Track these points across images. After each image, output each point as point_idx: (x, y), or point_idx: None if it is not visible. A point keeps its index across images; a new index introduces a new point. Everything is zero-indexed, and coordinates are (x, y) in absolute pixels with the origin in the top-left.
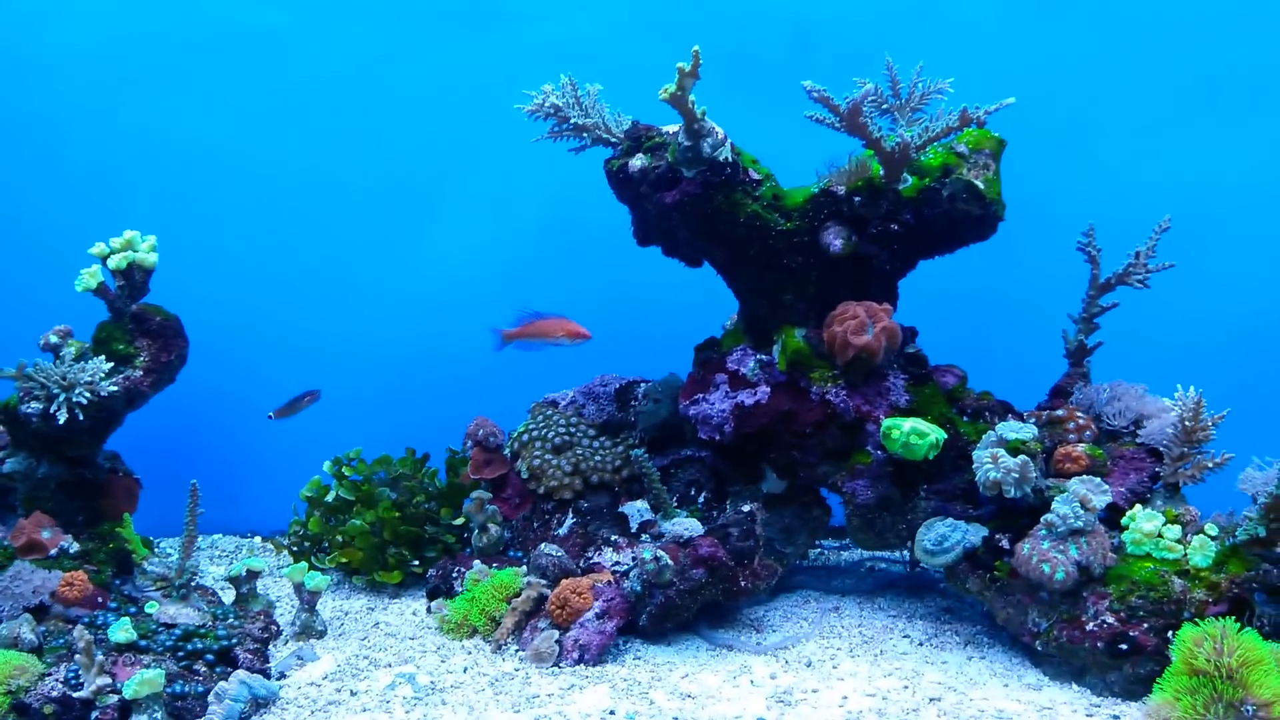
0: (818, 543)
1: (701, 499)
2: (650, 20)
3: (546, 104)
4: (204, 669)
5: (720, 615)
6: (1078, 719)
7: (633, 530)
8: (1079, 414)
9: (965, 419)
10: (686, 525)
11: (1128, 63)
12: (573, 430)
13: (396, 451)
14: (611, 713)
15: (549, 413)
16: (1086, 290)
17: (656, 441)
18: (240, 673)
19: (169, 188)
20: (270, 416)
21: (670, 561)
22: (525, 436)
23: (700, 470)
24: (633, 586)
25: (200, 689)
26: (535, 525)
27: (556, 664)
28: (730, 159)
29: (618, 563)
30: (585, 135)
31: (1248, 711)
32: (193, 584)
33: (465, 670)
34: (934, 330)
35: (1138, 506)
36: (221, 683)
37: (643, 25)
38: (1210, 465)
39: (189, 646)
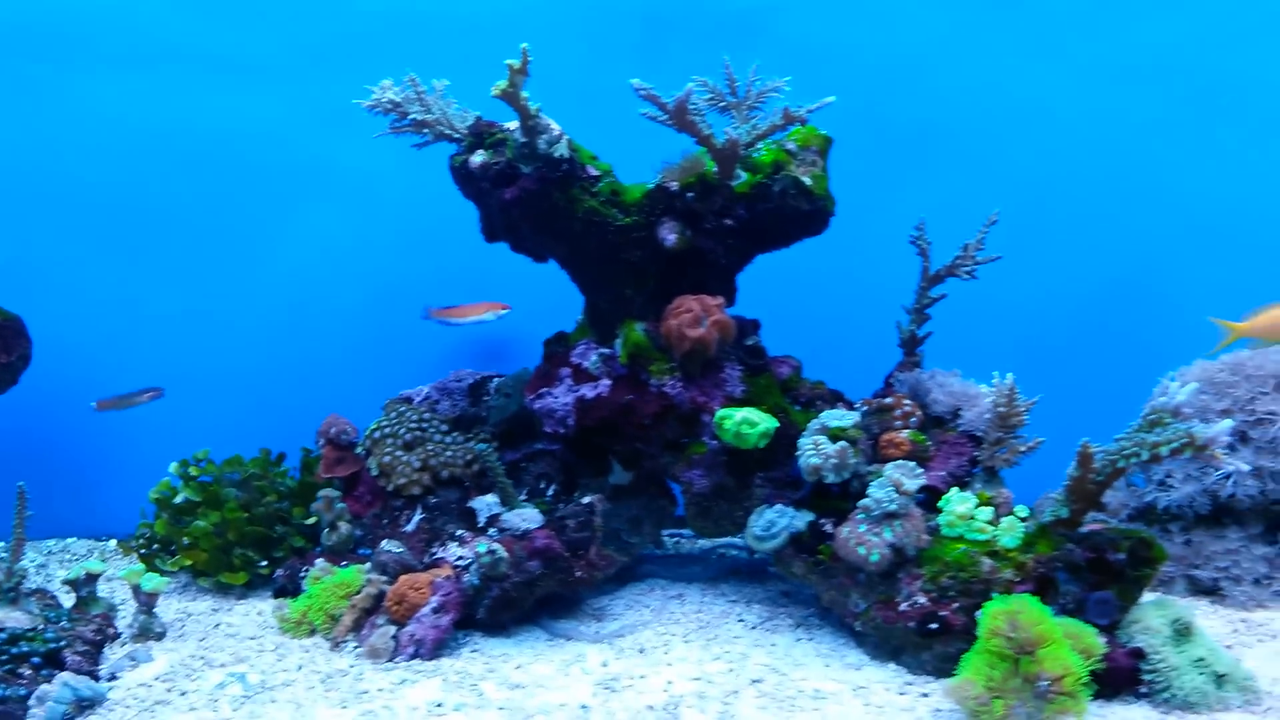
0: (673, 532)
1: (551, 492)
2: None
3: (384, 100)
4: (29, 672)
5: (564, 606)
6: (890, 696)
7: (480, 525)
8: (906, 401)
9: (798, 408)
10: (525, 517)
11: (969, 58)
12: (425, 426)
13: (257, 452)
14: (439, 705)
15: (402, 409)
16: (918, 282)
17: (509, 435)
18: (65, 674)
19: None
20: (95, 406)
21: (505, 554)
22: (377, 433)
23: (551, 464)
24: (471, 580)
25: (23, 691)
26: (385, 522)
27: (392, 659)
28: (567, 155)
29: (461, 557)
30: (428, 131)
31: (1041, 685)
32: (22, 587)
33: (300, 668)
34: (786, 323)
35: (954, 490)
36: (44, 685)
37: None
38: (1023, 449)
39: (14, 650)
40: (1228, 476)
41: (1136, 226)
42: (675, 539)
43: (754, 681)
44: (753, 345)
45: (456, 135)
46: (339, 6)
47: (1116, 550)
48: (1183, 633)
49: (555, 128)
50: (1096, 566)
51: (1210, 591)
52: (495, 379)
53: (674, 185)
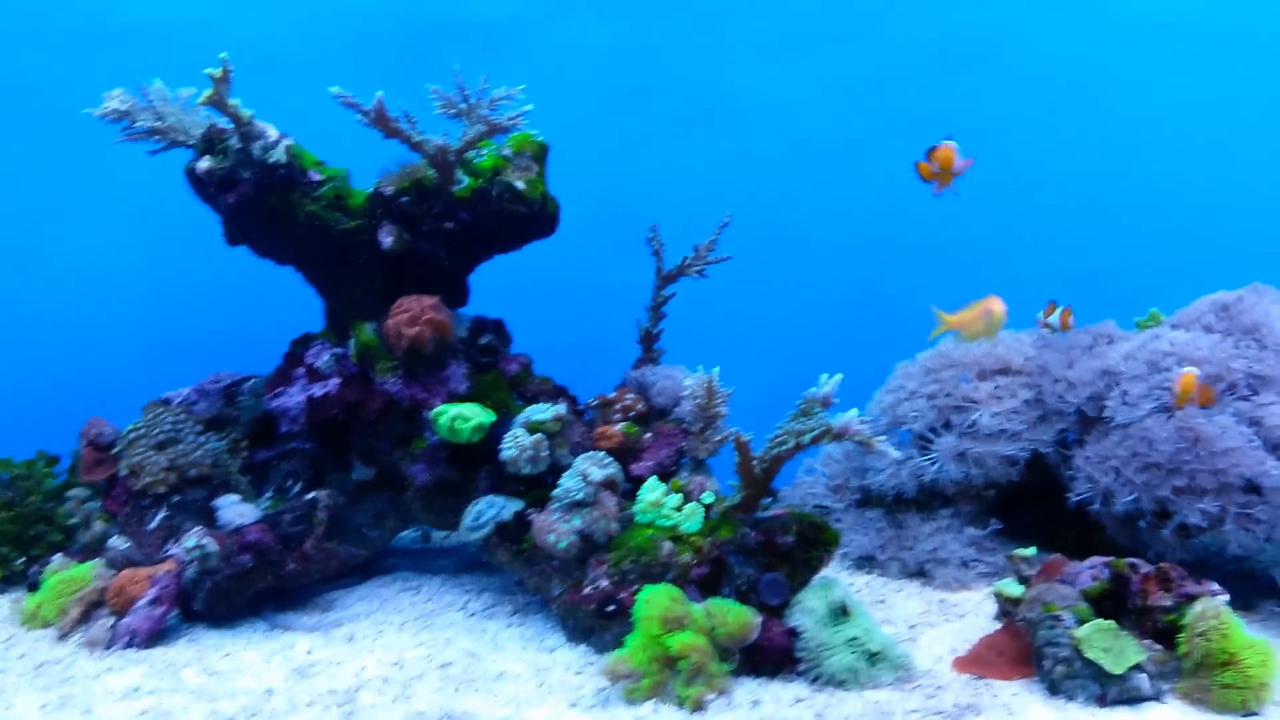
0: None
1: (296, 489)
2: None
3: (110, 109)
4: None
5: (295, 598)
6: (566, 677)
7: (219, 523)
8: (629, 395)
9: (521, 403)
10: (240, 512)
11: (713, 61)
12: (179, 427)
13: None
14: (136, 689)
15: (159, 410)
16: (654, 281)
17: (262, 435)
18: None
19: None
20: None
21: (215, 548)
22: (132, 435)
23: (301, 461)
24: (188, 574)
25: None
26: (133, 521)
27: (108, 648)
28: (284, 160)
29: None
30: (162, 138)
31: (681, 665)
32: None
33: (21, 657)
34: (561, 322)
35: (651, 479)
36: None
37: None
38: (719, 439)
39: None
40: (933, 462)
41: (879, 230)
42: (447, 534)
43: (443, 665)
44: (486, 344)
45: (190, 141)
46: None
47: (786, 534)
48: (839, 613)
49: (272, 133)
50: (768, 549)
51: (920, 573)
52: (251, 380)
53: (389, 190)
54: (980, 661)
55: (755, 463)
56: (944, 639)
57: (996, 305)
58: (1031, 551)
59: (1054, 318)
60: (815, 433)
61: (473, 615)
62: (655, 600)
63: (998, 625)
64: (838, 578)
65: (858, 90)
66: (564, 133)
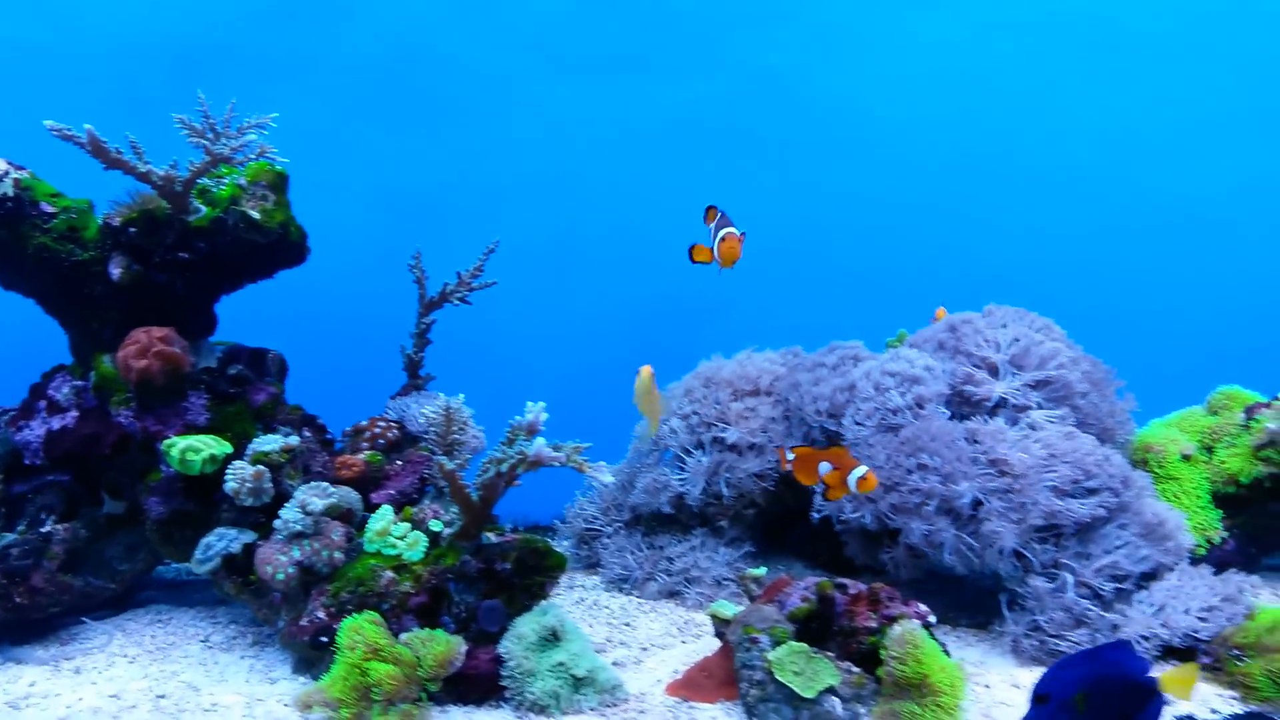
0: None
1: (49, 523)
2: None
3: None
4: None
5: (38, 630)
6: (277, 707)
7: None
8: (380, 423)
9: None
10: None
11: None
12: None
13: None
14: None
15: None
16: (417, 308)
17: (16, 467)
18: None
19: None
20: None
21: None
22: None
23: (56, 495)
24: None
25: None
26: None
27: None
28: (11, 194)
29: None
30: None
31: (378, 692)
32: None
33: None
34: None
35: (382, 508)
36: None
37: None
38: (454, 467)
39: None
40: (683, 482)
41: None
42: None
43: (159, 697)
44: (236, 374)
45: None
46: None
47: (505, 560)
48: (550, 639)
49: (1, 165)
50: (488, 577)
51: (674, 594)
52: (7, 413)
53: (116, 221)
54: (691, 684)
55: (469, 490)
56: (673, 661)
57: (641, 376)
58: (761, 572)
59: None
60: (511, 461)
61: (211, 648)
62: (356, 630)
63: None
64: (557, 603)
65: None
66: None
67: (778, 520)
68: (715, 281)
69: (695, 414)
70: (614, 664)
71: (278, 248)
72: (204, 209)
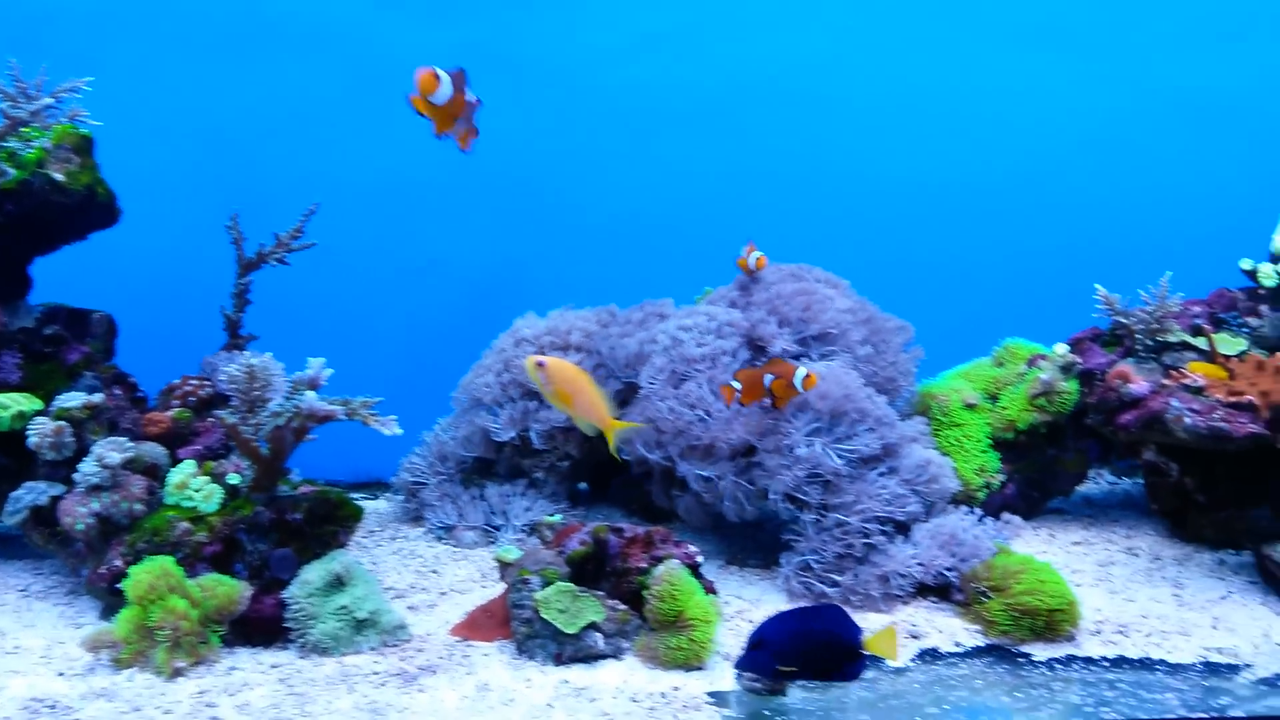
0: None
1: None
2: None
3: None
4: None
5: None
6: (76, 649)
7: None
8: (192, 382)
9: None
10: None
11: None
12: None
13: None
14: None
15: None
16: (236, 269)
17: None
18: None
19: None
20: None
21: None
22: None
23: None
24: None
25: None
26: None
27: None
28: None
29: None
30: None
31: (163, 633)
32: None
33: None
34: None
35: (184, 463)
36: None
37: None
38: (236, 421)
39: None
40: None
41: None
42: None
43: None
44: (51, 334)
45: None
46: None
47: (295, 510)
48: (335, 584)
49: None
50: (280, 526)
51: (489, 543)
52: None
53: None
54: (473, 625)
55: (257, 445)
56: (468, 604)
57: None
58: (556, 519)
59: (753, 258)
60: (288, 415)
61: (28, 596)
62: (144, 574)
63: None
64: (348, 554)
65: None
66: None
67: (600, 469)
68: (553, 245)
69: (505, 370)
70: (409, 608)
71: (84, 209)
72: (12, 172)
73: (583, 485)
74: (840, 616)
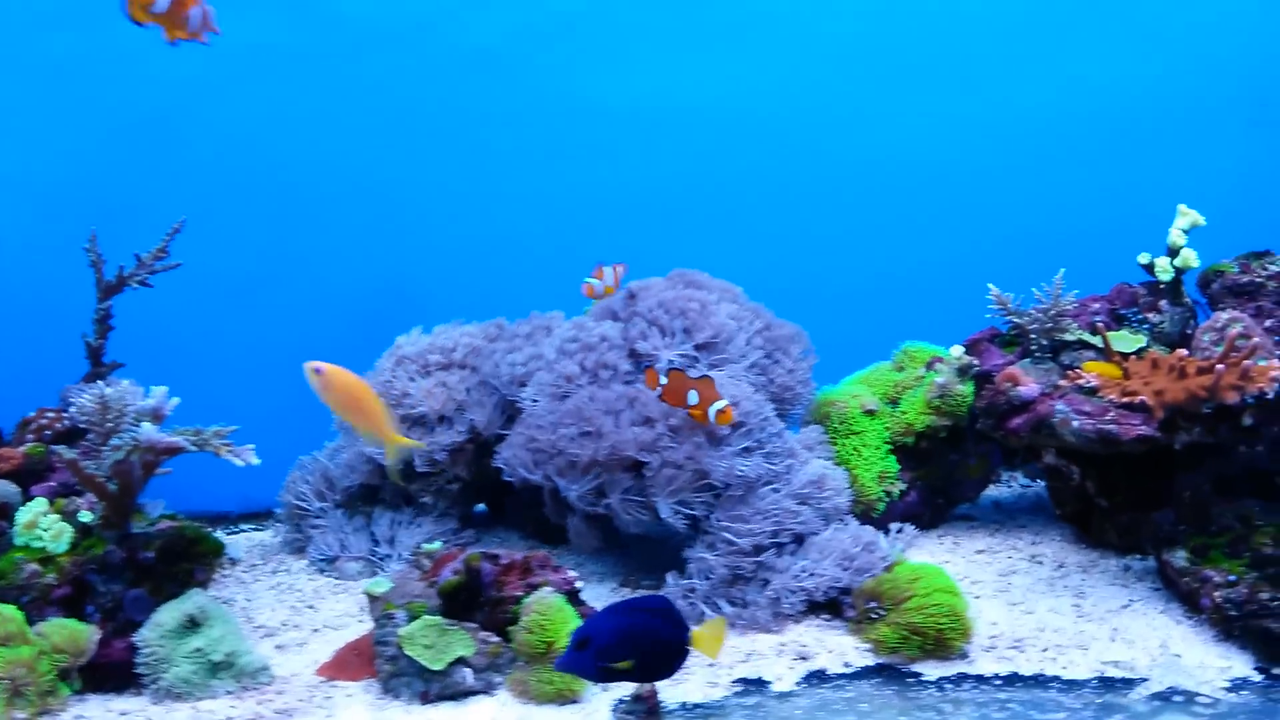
0: None
1: None
2: None
3: None
4: None
5: None
6: None
7: None
8: (50, 413)
9: None
10: None
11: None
12: None
13: None
14: None
15: None
16: (96, 294)
17: None
18: None
19: None
20: None
21: None
22: None
23: None
24: None
25: None
26: None
27: None
28: None
29: None
30: None
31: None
32: None
33: None
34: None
35: (35, 501)
36: None
37: None
38: (75, 456)
39: None
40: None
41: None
42: None
43: None
44: None
45: None
46: None
47: (148, 549)
48: (189, 625)
49: None
50: (133, 566)
51: (373, 574)
52: None
53: None
54: (340, 664)
55: (102, 480)
56: (341, 642)
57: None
58: (436, 546)
59: (601, 281)
60: (128, 447)
61: None
62: None
63: None
64: (204, 593)
65: None
66: None
67: (496, 490)
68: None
69: (384, 392)
70: (277, 647)
71: None
72: None
73: (480, 507)
74: (668, 610)
